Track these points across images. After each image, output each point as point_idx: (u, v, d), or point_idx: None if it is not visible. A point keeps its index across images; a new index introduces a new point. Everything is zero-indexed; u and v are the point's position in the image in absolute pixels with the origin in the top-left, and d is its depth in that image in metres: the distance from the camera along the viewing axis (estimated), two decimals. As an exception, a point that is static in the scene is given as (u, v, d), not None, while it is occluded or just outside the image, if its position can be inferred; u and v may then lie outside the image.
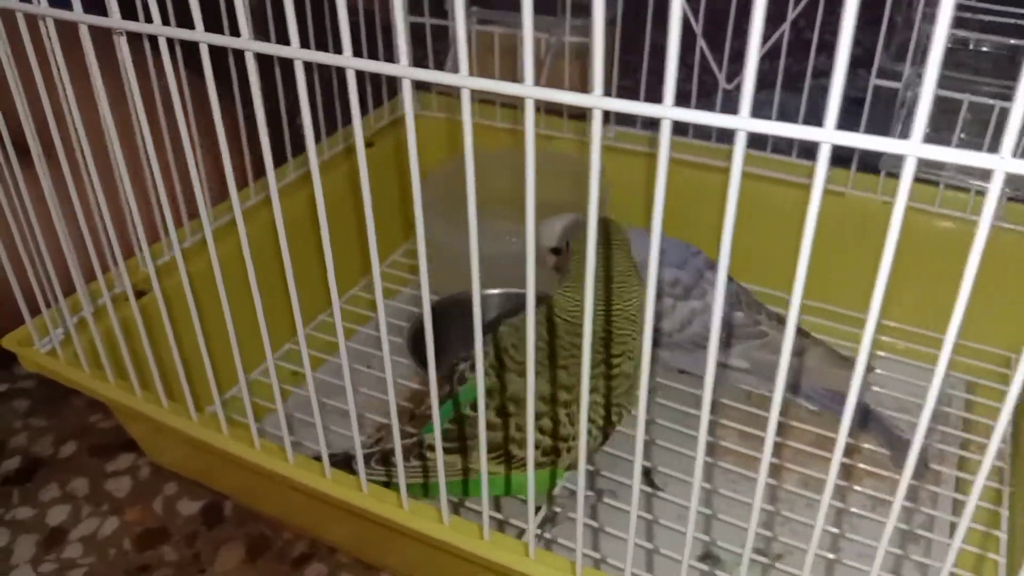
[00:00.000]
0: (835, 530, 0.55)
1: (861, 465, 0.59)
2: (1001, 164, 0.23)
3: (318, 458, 0.46)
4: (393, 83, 0.80)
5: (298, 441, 0.63)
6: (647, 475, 0.61)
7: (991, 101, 0.60)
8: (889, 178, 0.68)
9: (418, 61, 0.84)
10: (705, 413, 0.31)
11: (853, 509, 0.57)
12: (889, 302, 0.58)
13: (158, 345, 0.56)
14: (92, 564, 0.57)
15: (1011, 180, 0.62)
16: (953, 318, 0.26)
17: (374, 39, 0.73)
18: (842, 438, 0.29)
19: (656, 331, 0.62)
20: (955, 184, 0.65)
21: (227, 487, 0.61)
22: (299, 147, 0.66)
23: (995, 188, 0.24)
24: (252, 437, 0.47)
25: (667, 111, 0.26)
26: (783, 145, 0.70)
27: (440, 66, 0.32)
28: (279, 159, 0.68)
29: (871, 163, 0.68)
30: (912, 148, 0.24)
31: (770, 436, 0.30)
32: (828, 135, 0.24)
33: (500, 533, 0.42)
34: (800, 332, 0.62)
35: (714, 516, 0.56)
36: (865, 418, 0.59)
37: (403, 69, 0.30)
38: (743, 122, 0.25)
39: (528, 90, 0.28)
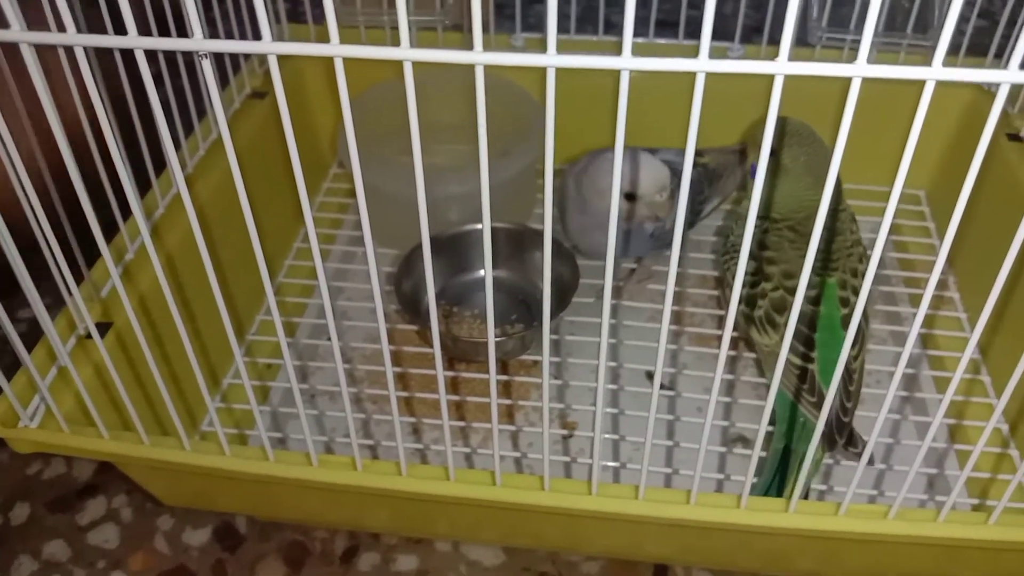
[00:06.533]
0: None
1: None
2: (858, 71, 0.24)
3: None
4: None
5: (285, 437, 0.59)
6: (651, 379, 0.63)
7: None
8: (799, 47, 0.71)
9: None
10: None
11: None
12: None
13: (140, 383, 0.50)
14: (115, 629, 0.51)
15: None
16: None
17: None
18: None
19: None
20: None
21: (234, 505, 0.56)
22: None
23: (853, 94, 0.25)
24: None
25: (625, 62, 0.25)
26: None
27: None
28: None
29: (776, 38, 0.71)
30: (781, 67, 0.25)
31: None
32: (702, 64, 0.25)
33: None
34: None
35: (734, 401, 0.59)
36: None
37: (267, 45, 0.27)
38: (626, 62, 0.25)
39: (405, 52, 0.26)
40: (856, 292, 0.55)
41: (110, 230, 0.53)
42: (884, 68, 0.24)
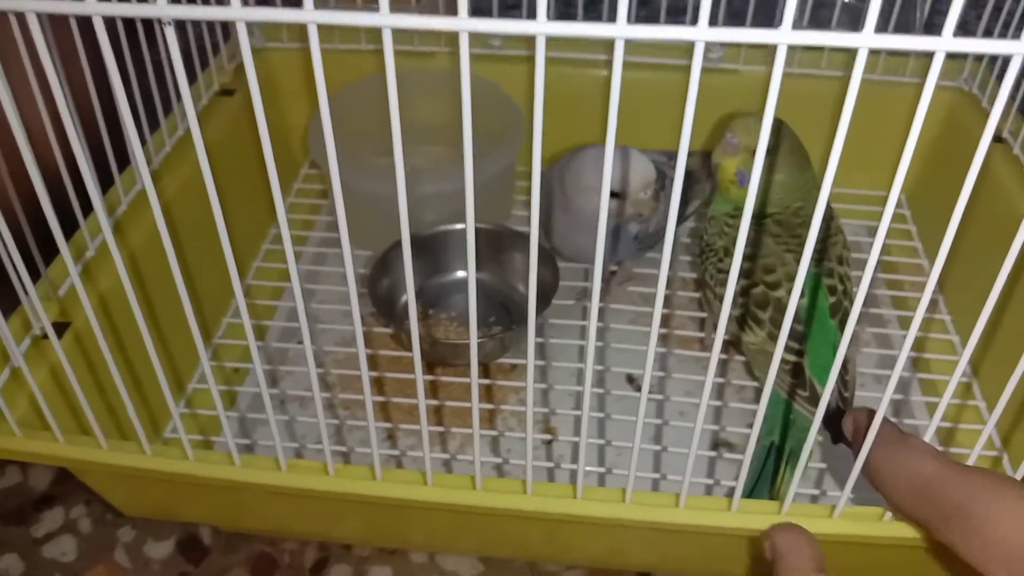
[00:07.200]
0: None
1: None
2: (864, 41, 0.23)
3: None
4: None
5: (251, 443, 0.57)
6: (631, 382, 0.61)
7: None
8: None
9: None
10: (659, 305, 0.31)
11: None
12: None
13: (99, 388, 0.47)
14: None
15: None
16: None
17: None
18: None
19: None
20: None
21: (199, 515, 0.54)
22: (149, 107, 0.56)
23: (859, 64, 0.24)
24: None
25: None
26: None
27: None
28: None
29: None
30: (784, 37, 0.23)
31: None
32: (701, 33, 0.24)
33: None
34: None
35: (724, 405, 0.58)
36: None
37: (236, 11, 0.25)
38: (622, 30, 0.24)
39: (384, 18, 0.24)
40: (842, 280, 0.54)
41: (69, 226, 0.51)
42: (891, 38, 0.23)
